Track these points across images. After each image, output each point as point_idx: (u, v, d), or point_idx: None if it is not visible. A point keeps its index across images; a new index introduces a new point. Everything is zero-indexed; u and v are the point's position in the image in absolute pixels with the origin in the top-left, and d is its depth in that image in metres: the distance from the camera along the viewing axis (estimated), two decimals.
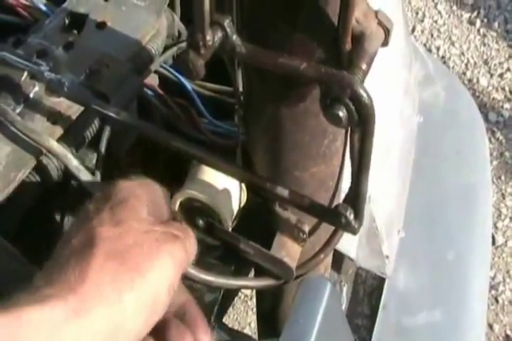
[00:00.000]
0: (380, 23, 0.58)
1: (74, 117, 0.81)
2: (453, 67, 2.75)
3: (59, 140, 0.79)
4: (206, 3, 0.49)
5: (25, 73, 0.79)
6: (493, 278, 2.19)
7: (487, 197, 1.41)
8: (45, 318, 0.46)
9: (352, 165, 0.62)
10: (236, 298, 2.03)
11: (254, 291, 1.20)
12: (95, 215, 0.55)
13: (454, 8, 2.98)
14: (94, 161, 0.91)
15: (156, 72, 0.97)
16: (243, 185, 0.79)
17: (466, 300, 1.23)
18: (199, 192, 0.77)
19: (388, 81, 1.22)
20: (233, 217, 0.80)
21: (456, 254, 1.26)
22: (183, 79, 0.96)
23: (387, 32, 0.58)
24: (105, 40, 0.88)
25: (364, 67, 0.54)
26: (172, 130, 0.95)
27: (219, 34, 0.52)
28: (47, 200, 0.89)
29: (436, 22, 2.94)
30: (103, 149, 0.88)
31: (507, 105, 2.63)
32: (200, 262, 0.72)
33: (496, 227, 2.30)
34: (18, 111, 0.79)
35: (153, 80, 0.98)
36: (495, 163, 2.45)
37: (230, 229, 0.81)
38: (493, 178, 2.40)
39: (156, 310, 0.52)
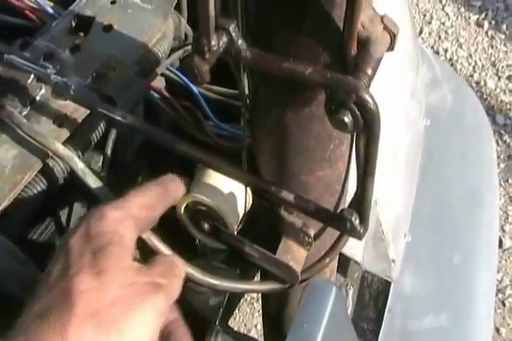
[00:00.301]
0: (385, 28, 0.58)
1: (80, 120, 0.81)
2: (460, 70, 2.74)
3: (65, 143, 0.80)
4: (211, 8, 0.49)
5: (32, 76, 0.80)
6: (500, 282, 2.18)
7: (494, 200, 1.40)
8: None
9: (358, 170, 0.62)
10: (242, 300, 2.03)
11: (260, 294, 1.20)
12: (76, 260, 0.53)
13: (462, 10, 2.97)
14: (100, 164, 0.91)
15: (162, 74, 0.97)
16: (249, 188, 0.78)
17: (473, 304, 1.23)
18: (205, 195, 0.77)
19: (395, 84, 1.21)
20: (239, 220, 0.80)
21: (462, 258, 1.26)
22: (189, 82, 0.96)
23: (393, 37, 0.58)
24: (112, 42, 0.88)
25: (370, 72, 0.54)
26: (178, 133, 0.95)
27: (224, 39, 0.52)
28: (53, 203, 0.89)
29: (443, 24, 2.94)
30: (109, 152, 0.88)
31: None
32: (205, 265, 0.72)
33: (503, 230, 2.29)
34: (24, 113, 0.80)
35: (159, 83, 0.98)
36: (502, 165, 2.45)
37: (236, 233, 0.81)
38: (501, 181, 2.39)
39: None
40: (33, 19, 0.95)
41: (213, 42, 0.51)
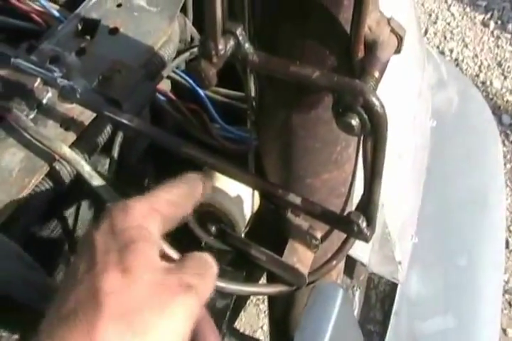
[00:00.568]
0: (392, 31, 0.58)
1: (86, 123, 0.81)
2: (466, 70, 2.74)
3: (72, 146, 0.80)
4: (218, 12, 0.49)
5: (39, 79, 0.80)
6: (507, 282, 2.18)
7: (500, 201, 1.40)
8: None
9: (364, 173, 0.62)
10: (248, 302, 2.03)
11: (267, 296, 1.20)
12: (101, 257, 0.51)
13: (468, 10, 2.97)
14: (106, 167, 0.91)
15: (168, 77, 0.97)
16: (255, 191, 0.78)
17: (479, 305, 1.22)
18: (212, 198, 0.77)
19: (401, 85, 1.21)
20: (245, 223, 0.80)
21: (469, 260, 1.26)
22: (195, 85, 0.96)
23: (399, 39, 0.58)
24: (118, 45, 0.88)
25: (377, 75, 0.54)
26: (185, 135, 0.95)
27: (231, 42, 0.52)
28: (60, 206, 0.89)
29: (449, 24, 2.93)
30: (115, 155, 0.88)
31: None
32: None
33: (510, 231, 2.28)
34: (31, 117, 0.80)
35: (165, 85, 0.98)
36: (509, 166, 2.44)
37: (243, 235, 0.81)
38: (507, 181, 2.39)
39: None
40: (39, 22, 0.95)
41: (220, 46, 0.51)
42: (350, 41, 0.54)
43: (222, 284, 0.74)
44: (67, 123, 0.80)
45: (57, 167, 0.79)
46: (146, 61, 0.88)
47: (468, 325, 1.20)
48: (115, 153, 0.88)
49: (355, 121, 0.51)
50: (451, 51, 2.82)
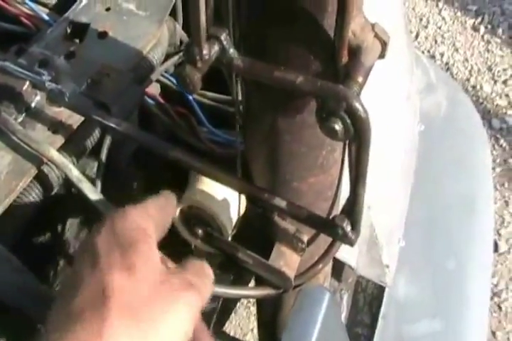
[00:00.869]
0: (376, 36, 0.58)
1: (75, 126, 0.82)
2: (456, 74, 2.75)
3: (60, 149, 0.80)
4: (202, 17, 0.49)
5: (27, 83, 0.80)
6: (496, 285, 2.19)
7: (488, 205, 1.41)
8: None
9: (350, 177, 0.63)
10: (238, 304, 2.04)
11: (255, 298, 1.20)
12: (104, 257, 0.52)
13: (458, 14, 2.98)
14: (95, 170, 0.91)
15: (157, 81, 0.97)
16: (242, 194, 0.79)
17: (467, 309, 1.23)
18: (199, 201, 0.78)
19: (389, 89, 1.22)
20: (232, 226, 0.81)
21: (456, 263, 1.26)
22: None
23: (384, 45, 0.59)
24: (106, 49, 0.88)
25: (360, 80, 0.54)
26: (174, 139, 0.96)
27: (216, 48, 0.52)
28: (48, 209, 0.89)
29: (440, 28, 2.94)
30: (104, 158, 0.88)
31: (511, 112, 2.63)
32: None
33: (499, 234, 2.29)
34: (19, 120, 0.80)
35: (154, 89, 0.98)
36: (498, 169, 2.45)
37: (230, 239, 0.81)
38: (497, 185, 2.40)
39: None
40: (29, 26, 0.95)
41: (205, 52, 0.51)
42: (335, 46, 0.55)
43: None
44: (56, 126, 0.81)
45: (45, 170, 0.79)
46: (135, 65, 0.89)
47: (456, 328, 1.21)
48: (103, 157, 0.88)
49: (338, 126, 0.52)
50: (442, 55, 2.83)
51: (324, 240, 0.81)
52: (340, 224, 0.64)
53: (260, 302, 1.07)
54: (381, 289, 1.21)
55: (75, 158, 0.82)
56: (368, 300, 1.22)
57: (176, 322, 0.51)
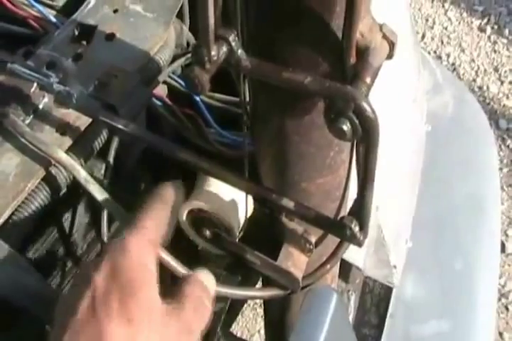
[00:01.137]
0: (384, 37, 0.58)
1: (83, 128, 0.82)
2: (463, 74, 2.74)
3: (68, 151, 0.80)
4: (211, 18, 0.49)
5: (35, 84, 0.80)
6: (503, 286, 2.18)
7: (495, 206, 1.41)
8: None
9: (358, 178, 0.63)
10: (245, 305, 2.04)
11: (262, 299, 1.20)
12: (103, 302, 0.51)
13: (464, 14, 2.98)
14: (102, 171, 0.92)
15: (164, 82, 0.97)
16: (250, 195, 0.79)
17: (474, 309, 1.23)
18: (206, 202, 0.78)
19: (396, 90, 1.22)
20: (240, 227, 0.81)
21: (463, 264, 1.26)
22: None
23: (391, 45, 0.59)
24: (114, 51, 0.89)
25: (368, 80, 0.54)
26: (181, 140, 0.96)
27: (224, 49, 0.53)
28: (56, 210, 0.90)
29: (446, 29, 2.94)
30: (111, 159, 0.88)
31: None
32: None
33: (507, 235, 2.29)
34: (27, 122, 0.80)
35: (161, 90, 0.98)
36: (505, 170, 2.45)
37: (237, 240, 0.81)
38: (504, 186, 2.40)
39: None
40: (36, 28, 0.96)
41: (213, 53, 0.52)
42: (343, 47, 0.55)
43: (217, 288, 0.75)
44: (64, 128, 0.81)
45: (53, 172, 0.79)
46: (142, 66, 0.89)
47: (463, 329, 1.21)
48: (111, 158, 0.88)
49: (346, 127, 0.52)
50: (448, 56, 2.83)
51: (332, 241, 0.81)
52: (348, 224, 0.64)
53: (268, 303, 1.07)
54: (388, 290, 1.21)
55: (83, 159, 0.82)
56: (376, 301, 1.22)
57: None
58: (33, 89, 0.80)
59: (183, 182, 0.67)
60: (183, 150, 0.70)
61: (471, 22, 2.95)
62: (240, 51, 0.54)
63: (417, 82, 1.36)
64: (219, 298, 0.85)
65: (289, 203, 0.66)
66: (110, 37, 0.90)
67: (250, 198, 0.80)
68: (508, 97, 2.67)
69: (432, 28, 2.95)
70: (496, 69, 2.76)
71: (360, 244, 0.66)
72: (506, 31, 2.87)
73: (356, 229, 0.64)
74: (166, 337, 0.52)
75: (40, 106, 0.81)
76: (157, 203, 0.62)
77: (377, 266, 1.13)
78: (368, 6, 0.56)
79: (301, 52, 0.56)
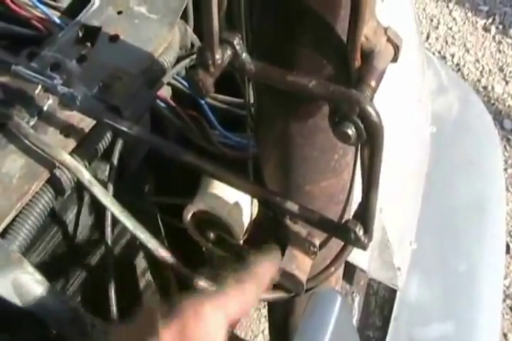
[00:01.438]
0: (389, 40, 0.58)
1: (87, 130, 0.82)
2: (468, 75, 2.74)
3: (72, 153, 0.80)
4: (215, 22, 0.49)
5: (39, 86, 0.80)
6: (508, 287, 2.18)
7: (500, 207, 1.40)
8: None
9: (362, 181, 0.63)
10: None
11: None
12: None
13: (469, 14, 2.97)
14: (106, 173, 0.92)
15: (168, 84, 0.97)
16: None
17: (479, 312, 1.22)
18: (210, 205, 0.78)
19: (401, 91, 1.21)
20: (244, 230, 0.81)
21: (468, 266, 1.26)
22: None
23: (396, 48, 0.58)
24: (118, 53, 0.89)
25: (373, 84, 0.54)
26: (186, 142, 0.96)
27: (228, 52, 0.52)
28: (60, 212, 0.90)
29: (451, 29, 2.93)
30: (115, 161, 0.88)
31: None
32: (210, 274, 0.72)
33: (511, 236, 2.28)
34: (32, 124, 0.80)
35: (166, 92, 0.98)
36: (510, 171, 2.44)
37: (241, 242, 0.81)
38: (509, 186, 2.39)
39: None
40: (40, 29, 0.96)
41: (217, 56, 0.51)
42: (347, 50, 0.55)
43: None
44: (68, 130, 0.81)
45: (57, 174, 0.79)
46: (146, 68, 0.89)
47: (467, 331, 1.20)
48: (115, 160, 0.88)
49: (351, 131, 0.52)
50: (453, 56, 2.82)
51: (336, 243, 0.81)
52: (352, 228, 0.63)
53: (272, 306, 1.07)
54: (393, 292, 1.20)
55: (87, 161, 0.82)
56: (380, 303, 1.22)
57: None
58: (37, 91, 0.80)
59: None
60: (187, 153, 0.70)
61: (476, 22, 2.94)
62: (244, 54, 0.54)
63: (422, 82, 1.35)
64: None
65: (293, 206, 0.66)
66: (114, 38, 0.90)
67: (255, 201, 0.80)
68: None
69: (437, 28, 2.94)
70: (501, 70, 2.76)
71: (364, 248, 0.65)
72: (511, 31, 2.86)
73: (361, 232, 0.64)
74: None
75: (45, 108, 0.81)
76: (254, 278, 0.59)
77: (382, 268, 1.13)
78: (372, 10, 0.55)
79: (306, 55, 0.56)
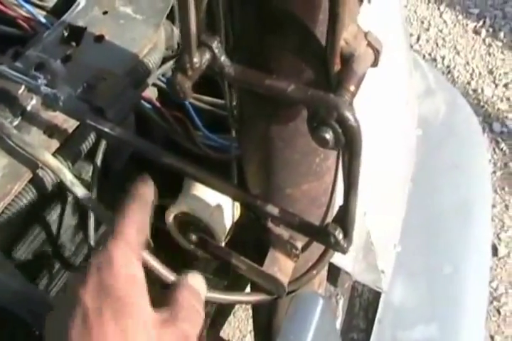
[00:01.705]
0: (369, 44, 0.58)
1: (70, 130, 0.82)
2: (458, 77, 2.75)
3: (55, 153, 0.80)
4: (192, 25, 0.49)
5: (23, 86, 0.80)
6: (495, 290, 2.19)
7: (485, 210, 1.40)
8: None
9: (344, 185, 0.63)
10: (237, 306, 2.03)
11: None
12: (96, 320, 0.50)
13: (460, 17, 2.98)
14: (90, 173, 0.91)
15: (154, 84, 0.97)
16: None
17: (463, 314, 1.22)
18: (192, 207, 0.77)
19: (387, 94, 1.22)
20: (226, 232, 0.81)
21: (453, 268, 1.26)
22: None
23: (377, 53, 0.58)
24: (103, 53, 0.88)
25: (352, 88, 0.54)
26: (172, 143, 0.96)
27: (207, 55, 0.52)
28: (43, 212, 0.89)
29: (441, 31, 2.94)
30: (99, 162, 0.88)
31: (511, 115, 2.63)
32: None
33: (499, 238, 2.29)
34: (15, 124, 0.80)
35: (151, 93, 0.98)
36: (498, 173, 2.45)
37: (223, 244, 0.81)
38: (497, 189, 2.40)
39: None
40: (26, 28, 0.95)
41: (195, 60, 0.51)
42: (327, 54, 0.55)
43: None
44: (51, 130, 0.81)
45: (40, 174, 0.79)
46: (131, 69, 0.89)
47: (451, 334, 1.21)
48: (98, 161, 0.88)
49: (329, 135, 0.52)
50: (443, 58, 2.83)
51: (318, 246, 0.81)
52: (332, 232, 0.63)
53: (256, 308, 1.07)
54: (377, 294, 1.21)
55: (70, 161, 0.82)
56: (364, 305, 1.22)
57: None
58: (20, 91, 0.80)
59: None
60: (169, 155, 0.70)
61: (467, 24, 2.95)
62: (223, 58, 0.53)
63: (409, 85, 1.36)
64: (205, 302, 0.85)
65: (273, 209, 0.66)
66: (99, 39, 0.90)
67: (237, 203, 0.80)
68: (502, 100, 2.67)
69: (428, 30, 2.95)
70: (491, 72, 2.77)
71: (344, 252, 0.65)
72: (501, 34, 2.87)
73: (340, 236, 0.64)
74: None
75: (28, 108, 0.81)
76: (136, 204, 0.59)
77: (366, 270, 1.13)
78: (353, 15, 0.55)
79: (285, 58, 0.56)
